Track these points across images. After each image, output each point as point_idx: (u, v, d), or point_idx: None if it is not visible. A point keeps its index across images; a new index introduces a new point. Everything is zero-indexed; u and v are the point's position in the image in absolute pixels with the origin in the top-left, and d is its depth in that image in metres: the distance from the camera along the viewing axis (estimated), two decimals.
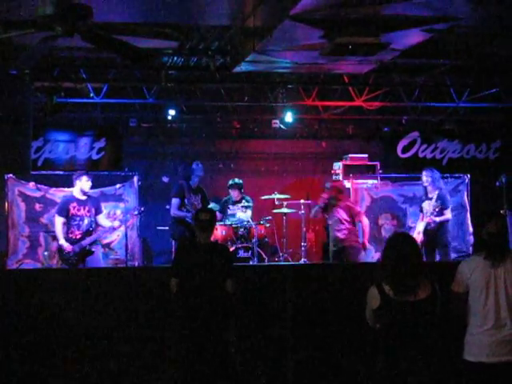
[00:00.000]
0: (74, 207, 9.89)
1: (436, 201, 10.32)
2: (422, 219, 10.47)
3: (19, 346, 7.05)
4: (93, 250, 9.83)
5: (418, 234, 10.17)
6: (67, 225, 9.87)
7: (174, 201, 10.51)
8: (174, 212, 10.55)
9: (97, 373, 7.11)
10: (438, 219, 10.29)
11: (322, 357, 7.33)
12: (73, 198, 9.99)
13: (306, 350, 7.35)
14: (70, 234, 9.84)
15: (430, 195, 10.49)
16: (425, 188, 10.62)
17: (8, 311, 7.08)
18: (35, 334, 7.09)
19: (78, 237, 9.80)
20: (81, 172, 10.23)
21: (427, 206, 10.45)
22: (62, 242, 9.76)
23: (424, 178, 10.60)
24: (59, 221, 9.88)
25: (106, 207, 11.45)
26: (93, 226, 9.91)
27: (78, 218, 9.86)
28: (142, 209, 10.63)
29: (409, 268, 5.02)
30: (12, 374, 6.98)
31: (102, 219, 10.19)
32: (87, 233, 9.85)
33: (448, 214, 10.49)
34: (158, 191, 13.01)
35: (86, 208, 9.91)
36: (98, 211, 10.12)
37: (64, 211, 9.89)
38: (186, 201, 10.47)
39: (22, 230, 11.57)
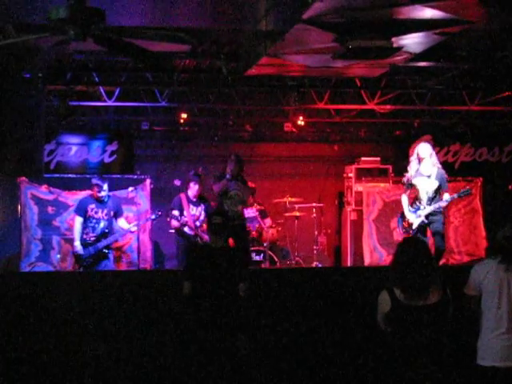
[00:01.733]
0: (92, 209, 9.93)
1: (436, 179, 9.18)
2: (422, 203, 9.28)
3: (32, 348, 7.09)
4: (108, 253, 9.84)
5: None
6: (83, 225, 9.92)
7: (174, 213, 10.52)
8: (172, 224, 10.58)
9: (108, 374, 7.14)
10: (443, 205, 9.20)
11: (334, 360, 7.33)
12: (92, 200, 10.04)
13: (317, 353, 7.35)
14: (84, 235, 9.87)
15: (426, 173, 9.25)
16: (419, 162, 9.31)
17: (21, 313, 7.11)
18: (48, 336, 7.12)
19: (92, 239, 9.82)
20: (96, 181, 10.17)
21: (425, 184, 9.24)
22: (77, 243, 9.83)
23: (425, 150, 9.32)
24: (78, 220, 9.96)
25: None
26: (109, 228, 9.92)
27: (94, 221, 9.90)
28: (160, 213, 10.61)
29: (419, 273, 5.01)
30: (24, 376, 7.02)
31: (122, 222, 10.20)
32: (102, 235, 9.87)
33: (447, 196, 9.19)
34: (170, 194, 13.00)
35: (105, 211, 9.96)
36: (119, 214, 10.15)
37: (81, 211, 9.97)
38: (185, 213, 10.47)
39: (35, 233, 11.61)
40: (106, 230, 9.89)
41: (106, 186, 9.99)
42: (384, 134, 15.04)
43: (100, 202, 9.98)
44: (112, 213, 10.01)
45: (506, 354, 5.18)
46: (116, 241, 10.24)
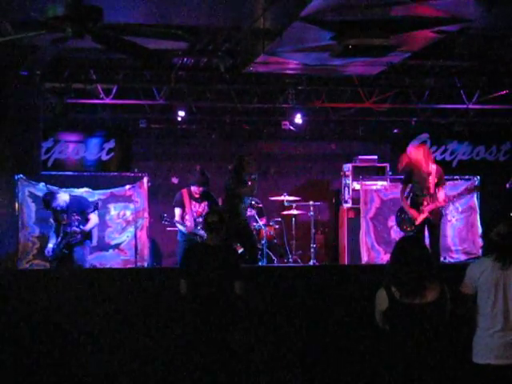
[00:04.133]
0: (60, 216, 9.96)
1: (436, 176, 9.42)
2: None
3: (29, 345, 7.09)
4: (66, 252, 9.82)
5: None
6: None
7: (176, 211, 10.49)
8: (175, 221, 10.55)
9: (103, 372, 7.15)
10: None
11: (332, 359, 7.33)
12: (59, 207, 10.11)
13: (316, 352, 7.35)
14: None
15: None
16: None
17: (19, 311, 7.11)
18: (45, 333, 7.12)
19: (57, 243, 9.93)
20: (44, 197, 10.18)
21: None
22: (49, 245, 10.02)
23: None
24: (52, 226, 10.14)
25: (115, 208, 11.49)
26: (67, 229, 9.85)
27: (63, 227, 9.93)
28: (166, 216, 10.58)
29: (416, 271, 5.02)
30: (20, 372, 7.02)
31: (94, 217, 10.11)
32: (64, 237, 9.87)
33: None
34: (167, 192, 13.01)
35: (67, 216, 9.90)
36: (85, 212, 10.02)
37: (54, 220, 10.10)
38: (186, 210, 10.44)
39: (33, 231, 11.57)
40: (65, 231, 9.83)
41: (53, 198, 9.92)
42: (381, 133, 15.04)
43: (63, 208, 9.92)
44: (74, 215, 9.98)
45: (501, 351, 5.19)
46: (72, 240, 10.06)
